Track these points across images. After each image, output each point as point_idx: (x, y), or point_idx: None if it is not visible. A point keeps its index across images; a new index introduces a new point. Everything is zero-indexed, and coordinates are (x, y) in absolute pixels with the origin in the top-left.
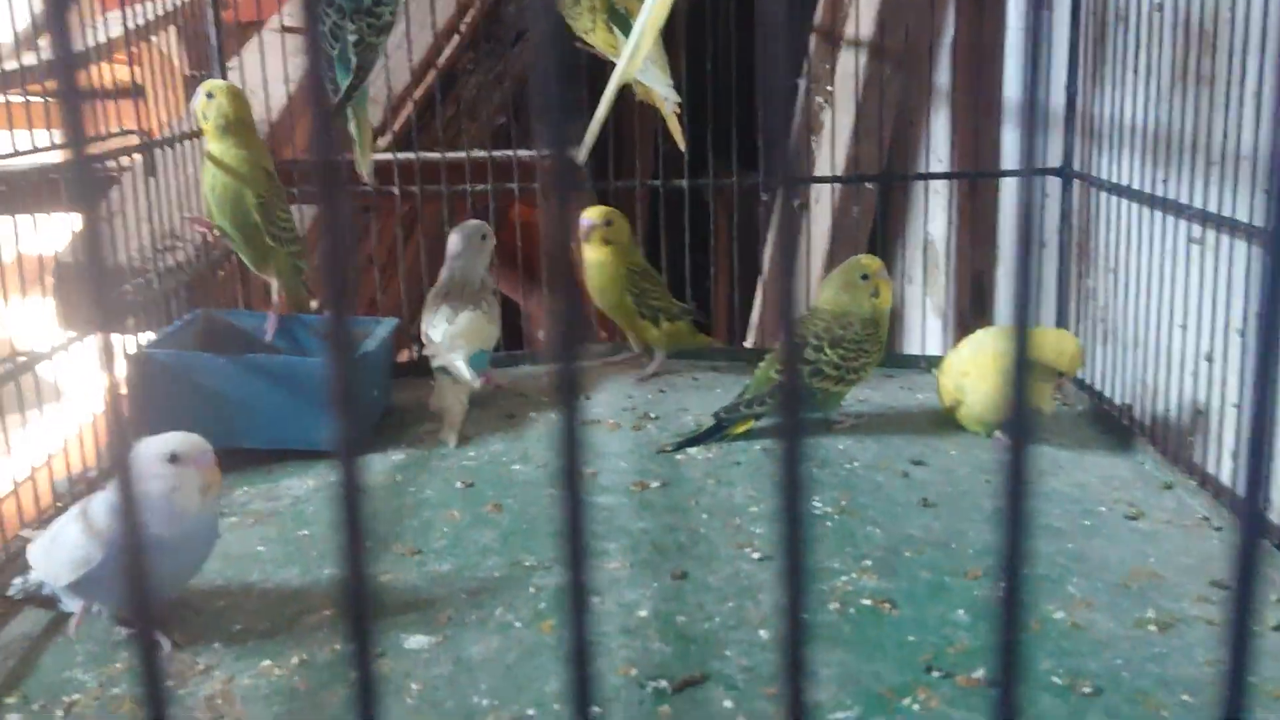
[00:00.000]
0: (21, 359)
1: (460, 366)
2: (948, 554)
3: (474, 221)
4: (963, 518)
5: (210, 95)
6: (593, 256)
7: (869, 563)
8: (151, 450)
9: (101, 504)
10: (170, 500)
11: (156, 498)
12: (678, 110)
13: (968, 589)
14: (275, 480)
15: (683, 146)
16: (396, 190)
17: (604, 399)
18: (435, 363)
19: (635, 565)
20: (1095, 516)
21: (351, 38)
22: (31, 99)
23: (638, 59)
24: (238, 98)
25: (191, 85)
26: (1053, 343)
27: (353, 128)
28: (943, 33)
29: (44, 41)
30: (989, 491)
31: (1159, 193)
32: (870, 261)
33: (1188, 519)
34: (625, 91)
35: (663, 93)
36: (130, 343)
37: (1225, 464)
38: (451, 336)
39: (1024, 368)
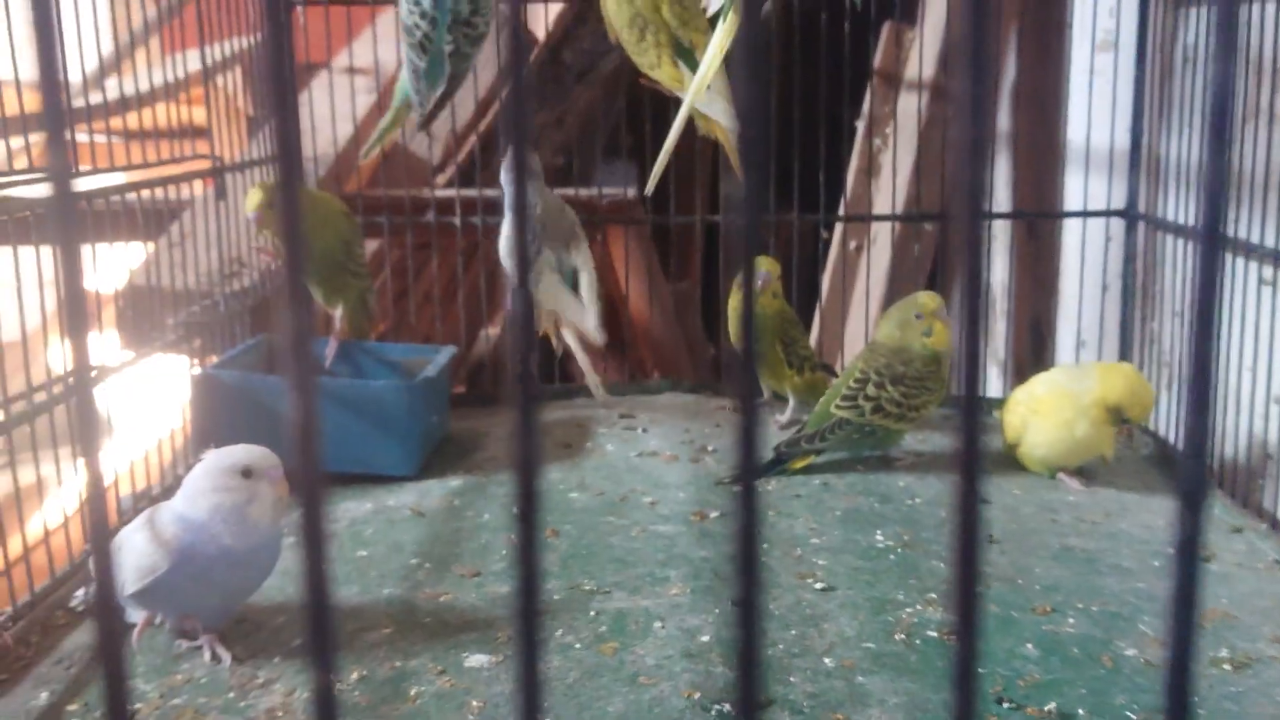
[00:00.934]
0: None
1: (593, 327)
2: (1014, 589)
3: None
4: (1029, 554)
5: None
6: (759, 308)
7: (934, 595)
8: (225, 463)
9: (168, 514)
10: (244, 513)
11: (230, 510)
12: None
13: (1036, 624)
14: (334, 503)
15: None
16: (458, 222)
17: (661, 432)
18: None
19: (696, 591)
20: (1165, 558)
21: (448, 48)
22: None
23: (702, 91)
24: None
25: (255, 126)
26: (1127, 386)
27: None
28: (1004, 74)
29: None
30: (1054, 530)
31: (1227, 233)
32: (928, 300)
33: (1259, 562)
34: (686, 126)
35: (727, 124)
36: (195, 364)
37: None
38: (588, 298)
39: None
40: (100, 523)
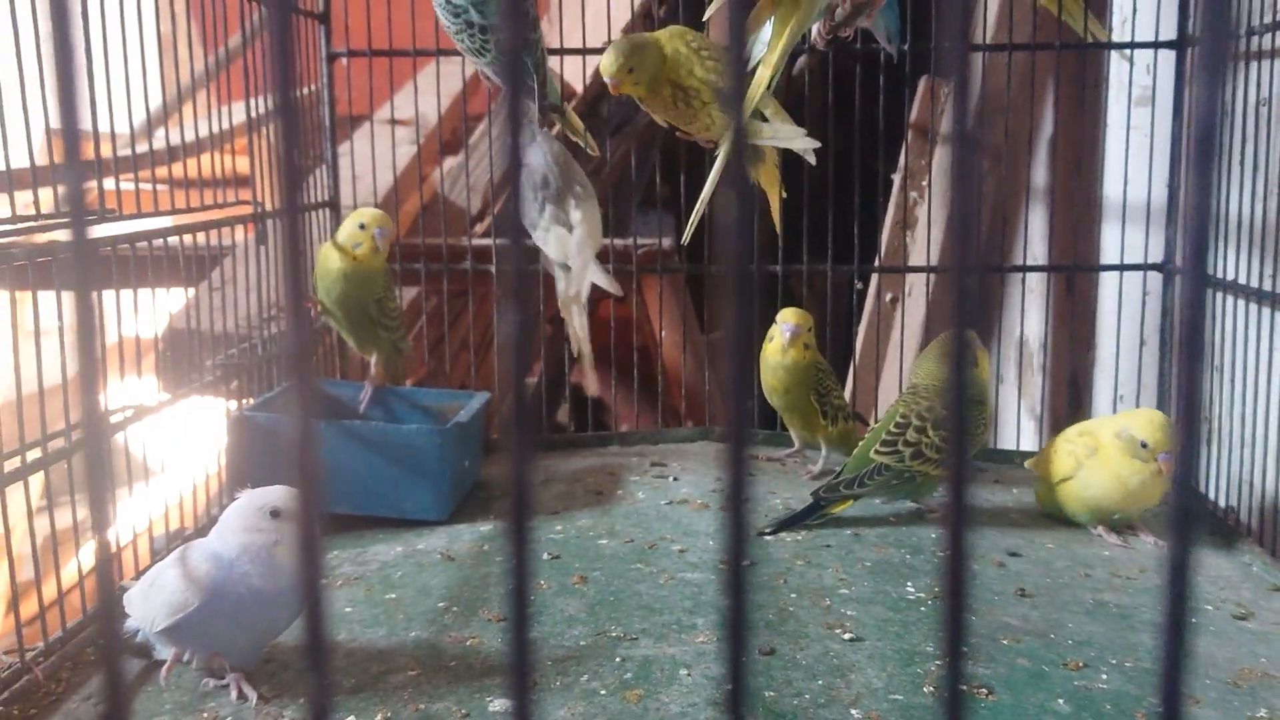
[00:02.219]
0: (122, 416)
1: (601, 275)
2: (1046, 644)
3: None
4: (1061, 609)
5: (380, 229)
6: (785, 359)
7: (964, 649)
8: (255, 503)
9: (201, 551)
10: (271, 554)
11: (257, 550)
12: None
13: (1068, 679)
14: (364, 546)
15: (779, 228)
16: (494, 270)
17: (692, 480)
18: (564, 287)
19: (723, 640)
20: (1202, 615)
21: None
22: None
23: (760, 133)
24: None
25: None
26: (1143, 421)
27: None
28: (1041, 129)
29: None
30: (1088, 585)
31: (1266, 287)
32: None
33: None
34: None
35: (800, 145)
36: (233, 406)
37: None
38: (581, 243)
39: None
40: (106, 573)
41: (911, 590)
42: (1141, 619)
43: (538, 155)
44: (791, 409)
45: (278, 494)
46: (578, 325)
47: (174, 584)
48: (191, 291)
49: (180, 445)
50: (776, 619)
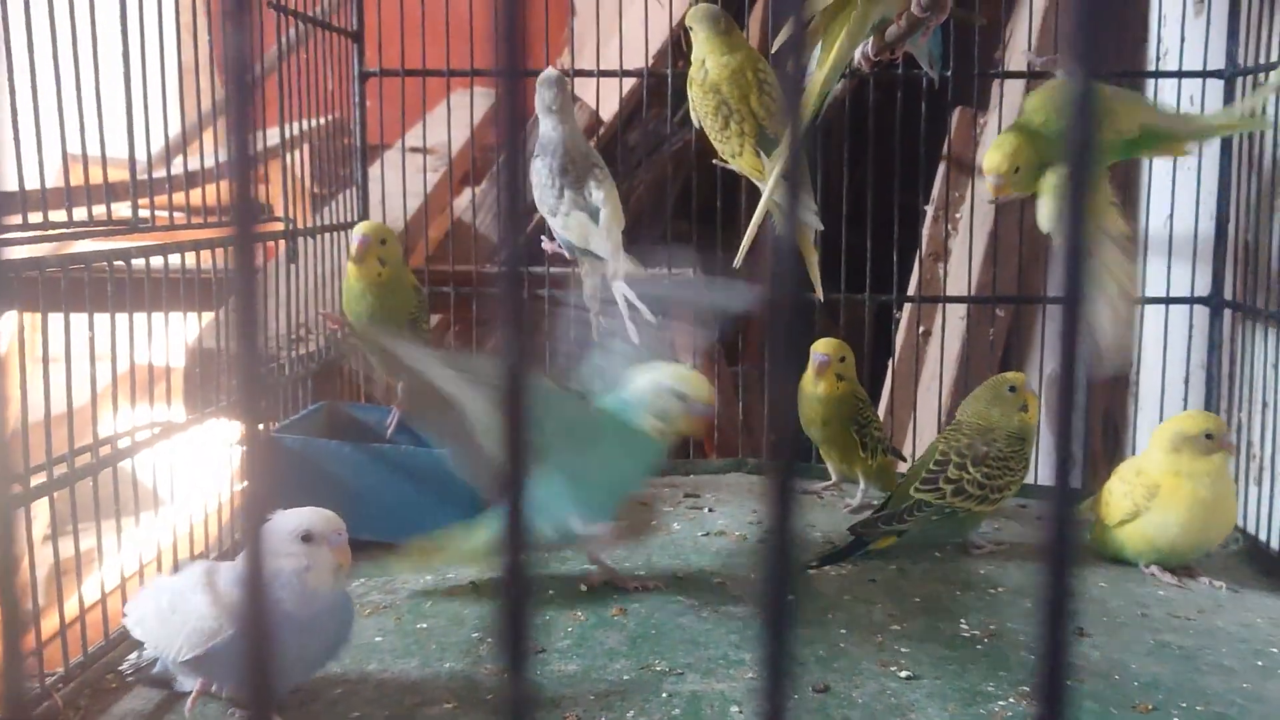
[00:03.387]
0: (144, 435)
1: (624, 259)
2: (1111, 685)
3: (549, 71)
4: (1122, 649)
5: (383, 241)
6: (822, 390)
7: (1026, 688)
8: (285, 527)
9: (229, 575)
10: (302, 579)
11: (289, 575)
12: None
13: None
14: (392, 574)
15: (819, 294)
16: (525, 294)
17: (728, 511)
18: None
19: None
20: (1268, 657)
21: None
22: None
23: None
24: (392, 234)
25: (319, 202)
26: (1188, 421)
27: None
28: None
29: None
30: (1146, 625)
31: None
32: (1015, 375)
33: None
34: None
35: (810, 222)
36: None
37: None
38: (609, 224)
39: None
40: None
41: (965, 627)
42: (1206, 660)
43: (553, 138)
44: (830, 441)
45: (309, 517)
46: (626, 301)
47: (202, 610)
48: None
49: (202, 468)
50: (828, 655)
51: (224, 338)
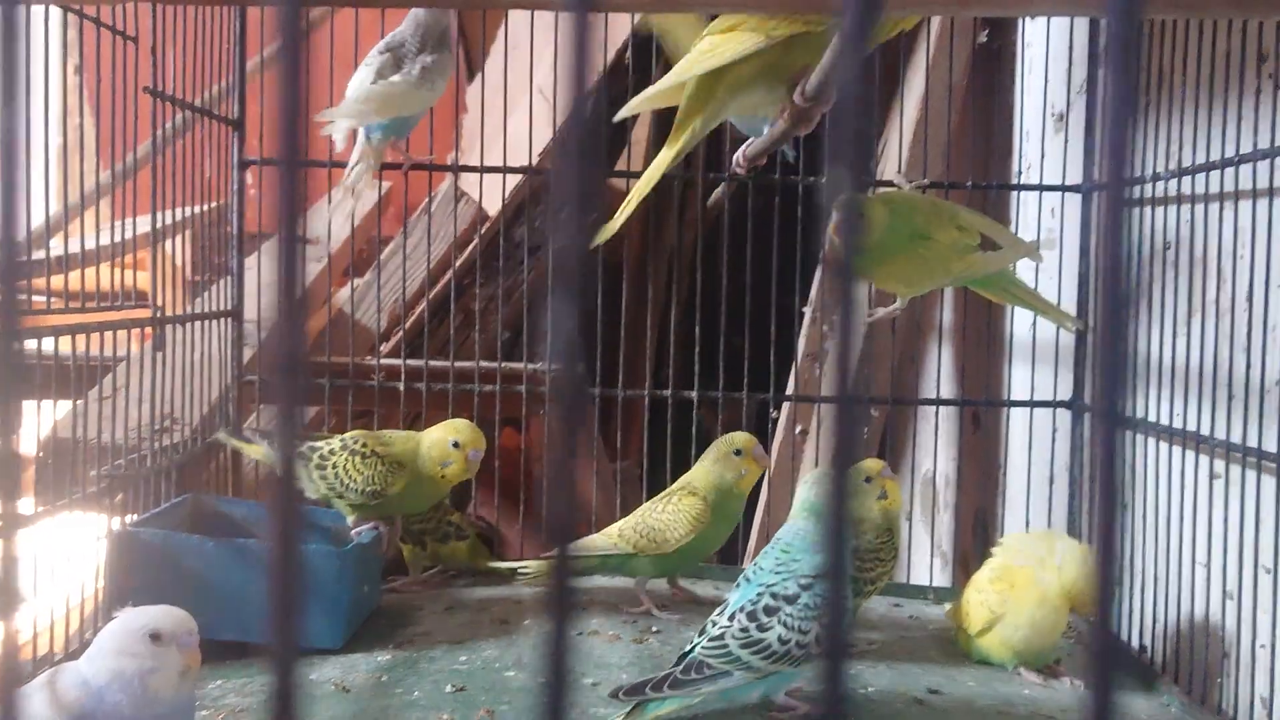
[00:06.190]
0: None
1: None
2: None
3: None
4: None
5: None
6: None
7: None
8: (133, 625)
9: (71, 676)
10: (145, 682)
11: (130, 677)
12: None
13: None
14: (251, 676)
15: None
16: (402, 386)
17: (603, 610)
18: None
19: None
20: None
21: None
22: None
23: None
24: None
25: (196, 289)
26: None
27: None
28: None
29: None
30: None
31: (1177, 425)
32: (871, 464)
33: None
34: (636, 317)
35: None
36: (115, 521)
37: (1257, 710)
38: (365, 99)
39: None
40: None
41: None
42: None
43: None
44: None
45: (158, 616)
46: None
47: (40, 712)
48: (79, 402)
49: (54, 564)
50: None
51: (81, 427)
